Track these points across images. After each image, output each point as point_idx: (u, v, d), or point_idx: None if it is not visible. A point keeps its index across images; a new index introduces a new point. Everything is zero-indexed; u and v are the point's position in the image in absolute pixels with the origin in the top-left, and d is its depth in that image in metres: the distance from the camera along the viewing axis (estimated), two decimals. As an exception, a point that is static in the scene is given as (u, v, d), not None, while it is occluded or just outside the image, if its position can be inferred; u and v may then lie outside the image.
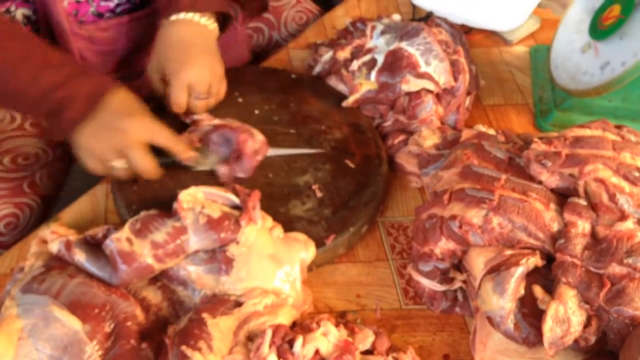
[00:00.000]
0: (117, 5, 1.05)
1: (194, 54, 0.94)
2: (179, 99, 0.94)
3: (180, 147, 0.88)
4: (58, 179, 1.11)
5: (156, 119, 0.87)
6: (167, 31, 0.96)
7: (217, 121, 0.95)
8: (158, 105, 1.00)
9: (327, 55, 1.10)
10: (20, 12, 0.99)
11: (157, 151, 0.87)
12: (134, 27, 1.08)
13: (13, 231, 0.99)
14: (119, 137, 0.84)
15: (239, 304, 0.74)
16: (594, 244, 0.72)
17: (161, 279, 0.79)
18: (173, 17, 0.95)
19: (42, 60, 0.84)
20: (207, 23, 0.97)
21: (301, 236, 0.83)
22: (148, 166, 0.86)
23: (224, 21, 1.02)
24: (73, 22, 0.99)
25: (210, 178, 0.91)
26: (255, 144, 0.91)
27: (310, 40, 1.22)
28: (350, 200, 0.91)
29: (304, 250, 0.81)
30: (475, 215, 0.75)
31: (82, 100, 0.83)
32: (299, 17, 1.32)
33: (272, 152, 0.95)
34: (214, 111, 0.99)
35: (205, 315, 0.72)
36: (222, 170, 0.91)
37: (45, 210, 1.07)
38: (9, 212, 0.98)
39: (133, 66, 1.12)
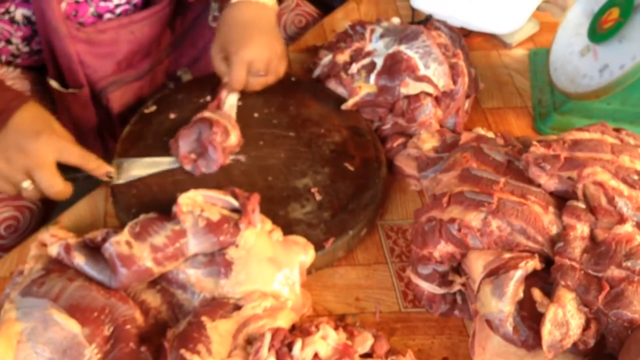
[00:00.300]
0: (117, 5, 1.05)
1: (253, 34, 0.98)
2: (239, 76, 0.98)
3: (92, 164, 0.86)
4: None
5: (67, 135, 0.85)
6: (229, 13, 1.01)
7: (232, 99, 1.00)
8: (161, 105, 1.00)
9: (326, 58, 1.11)
10: (19, 13, 0.99)
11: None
12: (133, 30, 1.08)
13: (13, 234, 0.99)
14: (25, 158, 0.81)
15: (238, 307, 0.74)
16: (593, 247, 0.72)
17: (160, 282, 0.79)
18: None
19: None
20: (266, 1, 1.01)
21: (300, 239, 0.83)
22: (56, 188, 0.83)
23: None
24: (71, 25, 0.99)
25: (209, 182, 0.91)
26: (223, 141, 0.92)
27: (310, 44, 1.22)
28: (350, 204, 0.91)
29: (303, 253, 0.81)
30: (474, 219, 0.75)
31: None
32: (299, 21, 1.33)
33: None
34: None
35: (204, 318, 0.72)
36: (188, 167, 0.92)
37: (46, 213, 1.07)
38: (9, 215, 0.98)
39: (133, 68, 1.12)
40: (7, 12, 0.99)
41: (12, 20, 1.00)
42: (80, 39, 1.01)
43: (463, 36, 1.16)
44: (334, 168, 0.95)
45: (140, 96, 1.15)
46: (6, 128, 0.81)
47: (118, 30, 1.06)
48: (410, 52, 1.01)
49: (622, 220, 0.72)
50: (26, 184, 0.82)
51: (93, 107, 1.10)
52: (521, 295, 0.71)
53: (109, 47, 1.07)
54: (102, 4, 1.03)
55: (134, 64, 1.13)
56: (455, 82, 1.01)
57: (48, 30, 0.98)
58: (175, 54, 1.20)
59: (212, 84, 1.04)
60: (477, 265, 0.74)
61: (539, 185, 0.79)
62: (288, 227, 0.85)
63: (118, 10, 1.06)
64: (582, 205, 0.75)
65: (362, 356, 0.74)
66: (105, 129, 1.15)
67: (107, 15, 1.05)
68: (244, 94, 1.04)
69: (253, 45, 0.97)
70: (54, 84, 1.05)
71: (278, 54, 1.01)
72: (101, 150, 1.17)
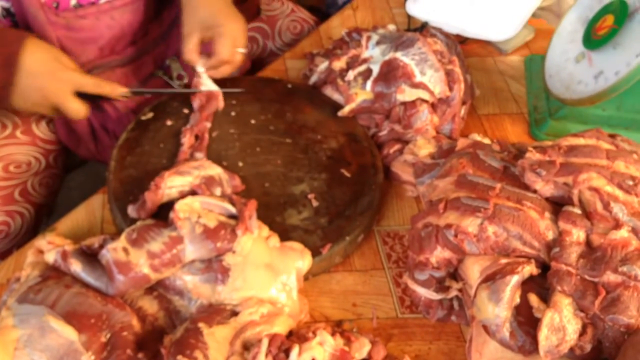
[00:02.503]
0: None
1: (231, 6, 0.99)
2: (229, 50, 0.98)
3: (106, 89, 0.93)
4: (51, 186, 1.11)
5: (75, 66, 0.91)
6: None
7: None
8: (158, 112, 1.00)
9: (323, 65, 1.11)
10: None
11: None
12: (113, 15, 1.07)
13: (4, 240, 0.99)
14: (47, 98, 0.88)
15: (235, 314, 0.75)
16: (589, 253, 0.72)
17: (157, 288, 0.79)
18: None
19: None
20: None
21: (297, 245, 0.83)
22: (81, 114, 0.92)
23: None
24: (49, 11, 0.99)
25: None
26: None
27: (307, 50, 1.22)
28: (346, 210, 0.91)
29: (300, 259, 0.81)
30: (470, 224, 0.75)
31: None
32: (294, 27, 1.33)
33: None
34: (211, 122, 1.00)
35: (201, 324, 0.72)
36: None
37: (38, 218, 1.07)
38: (0, 220, 0.98)
39: (117, 54, 1.12)
40: None
41: None
42: (60, 25, 1.01)
43: (459, 43, 1.16)
44: (330, 174, 0.96)
45: (126, 83, 1.14)
46: (20, 73, 0.86)
47: (98, 16, 1.05)
48: (406, 59, 1.02)
49: (617, 225, 0.73)
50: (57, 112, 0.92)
51: None
52: (518, 300, 0.71)
53: (89, 32, 1.06)
54: None
55: (118, 50, 1.12)
56: (451, 89, 1.02)
57: (27, 19, 0.98)
58: (164, 44, 1.20)
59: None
60: (474, 270, 0.74)
61: (534, 191, 0.79)
62: (285, 233, 0.85)
63: (102, 1, 1.05)
64: (577, 210, 0.75)
65: (359, 362, 0.75)
66: (96, 120, 1.15)
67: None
68: (240, 101, 1.04)
69: (238, 19, 0.97)
70: None
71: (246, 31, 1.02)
72: (93, 144, 1.17)
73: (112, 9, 1.06)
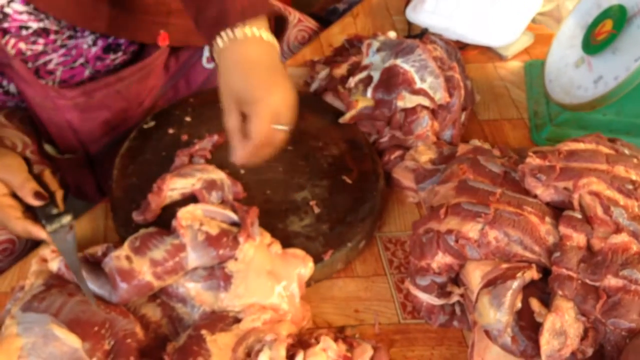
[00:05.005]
0: (113, 60, 1.04)
1: (278, 77, 0.81)
2: (265, 128, 0.79)
3: (24, 192, 0.81)
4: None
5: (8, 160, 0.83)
6: (238, 51, 0.80)
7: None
8: (160, 121, 1.01)
9: (323, 72, 1.11)
10: (13, 86, 0.99)
11: None
12: (119, 89, 1.06)
13: (9, 257, 0.99)
14: None
15: (237, 320, 0.75)
16: (590, 257, 0.72)
17: (160, 296, 0.79)
18: (226, 38, 0.80)
19: None
20: (266, 36, 0.82)
21: (299, 252, 0.83)
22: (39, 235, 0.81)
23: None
24: (56, 96, 0.98)
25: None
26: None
27: (308, 58, 1.23)
28: (348, 216, 0.91)
29: (302, 266, 0.81)
30: (471, 229, 0.76)
31: None
32: (301, 36, 1.34)
33: None
34: (210, 128, 1.00)
35: (204, 331, 0.72)
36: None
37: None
38: (5, 239, 0.98)
39: (126, 123, 1.10)
40: (1, 86, 0.99)
41: (6, 92, 1.00)
42: (67, 107, 1.00)
43: (459, 49, 1.17)
44: (332, 181, 0.96)
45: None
46: None
47: (104, 91, 1.03)
48: (406, 65, 1.02)
49: (618, 229, 0.73)
50: None
51: (90, 169, 1.09)
52: (519, 305, 0.71)
53: (98, 109, 1.04)
54: (98, 63, 1.02)
55: (127, 119, 1.10)
56: (451, 95, 1.02)
57: (33, 105, 0.98)
58: (170, 93, 1.18)
59: (209, 100, 1.05)
60: (475, 275, 0.75)
61: (535, 196, 0.80)
62: (287, 240, 0.86)
63: (116, 62, 1.05)
64: (578, 215, 0.76)
65: (361, 368, 0.75)
66: (105, 184, 1.14)
67: (105, 71, 1.04)
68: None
69: (278, 91, 0.80)
70: (49, 149, 1.05)
71: (295, 102, 0.84)
72: (99, 197, 1.16)
73: (118, 81, 1.04)
